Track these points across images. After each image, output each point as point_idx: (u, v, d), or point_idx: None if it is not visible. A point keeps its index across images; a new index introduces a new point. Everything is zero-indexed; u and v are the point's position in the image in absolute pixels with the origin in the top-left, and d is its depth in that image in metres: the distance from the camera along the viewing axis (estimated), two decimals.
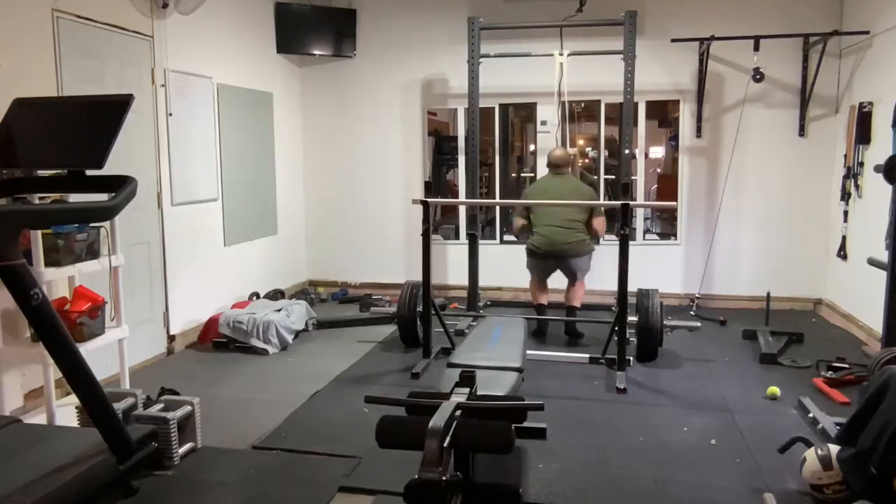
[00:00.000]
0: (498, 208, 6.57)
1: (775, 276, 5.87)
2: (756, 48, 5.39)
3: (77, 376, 2.51)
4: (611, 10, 5.43)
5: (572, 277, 5.08)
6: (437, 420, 2.12)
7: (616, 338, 4.30)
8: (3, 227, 2.22)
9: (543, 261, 5.06)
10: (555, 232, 4.92)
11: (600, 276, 6.00)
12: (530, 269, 5.22)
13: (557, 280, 5.22)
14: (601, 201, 5.13)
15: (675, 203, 5.87)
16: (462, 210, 6.43)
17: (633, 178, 5.94)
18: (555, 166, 5.11)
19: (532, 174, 6.46)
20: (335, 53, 6.44)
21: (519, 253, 5.35)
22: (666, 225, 7.86)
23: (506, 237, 6.54)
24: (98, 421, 2.59)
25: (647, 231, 7.54)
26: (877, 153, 4.85)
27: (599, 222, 5.01)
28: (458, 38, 5.92)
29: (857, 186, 5.23)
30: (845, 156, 5.41)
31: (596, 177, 6.34)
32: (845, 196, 5.39)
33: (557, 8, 5.72)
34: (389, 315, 5.43)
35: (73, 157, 2.69)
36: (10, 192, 2.88)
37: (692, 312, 5.72)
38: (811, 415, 3.48)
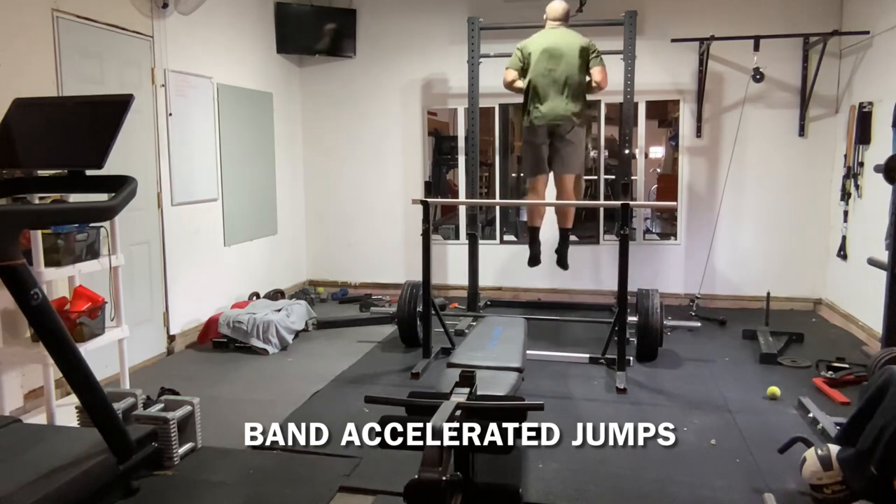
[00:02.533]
0: (498, 208, 6.57)
1: (775, 276, 5.87)
2: (756, 48, 5.38)
3: (77, 376, 2.51)
4: (611, 10, 5.42)
5: (564, 166, 4.78)
6: (437, 420, 2.12)
7: (616, 338, 4.29)
8: (4, 227, 2.22)
9: (539, 135, 4.72)
10: (550, 101, 4.64)
11: (600, 275, 6.01)
12: (526, 158, 4.91)
13: (556, 279, 5.21)
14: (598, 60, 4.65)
15: (675, 203, 5.86)
16: (462, 210, 6.42)
17: (633, 178, 5.93)
18: (556, 20, 4.76)
19: None
20: (335, 53, 6.43)
21: (519, 253, 5.34)
22: (666, 225, 7.85)
23: (506, 237, 6.54)
24: (98, 421, 2.59)
25: (647, 231, 7.54)
26: (877, 153, 4.85)
27: (598, 71, 4.62)
28: (458, 38, 5.92)
29: (857, 186, 5.23)
30: (845, 156, 5.41)
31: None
32: (845, 196, 5.39)
33: None
34: (389, 315, 5.43)
35: (73, 157, 2.70)
36: (10, 192, 2.89)
37: (692, 312, 5.72)
38: (811, 415, 3.48)
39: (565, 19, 4.80)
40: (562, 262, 5.09)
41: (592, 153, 7.85)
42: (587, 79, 4.68)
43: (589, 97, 4.82)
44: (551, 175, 4.88)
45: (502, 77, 4.84)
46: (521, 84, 4.79)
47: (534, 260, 5.11)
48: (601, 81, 4.64)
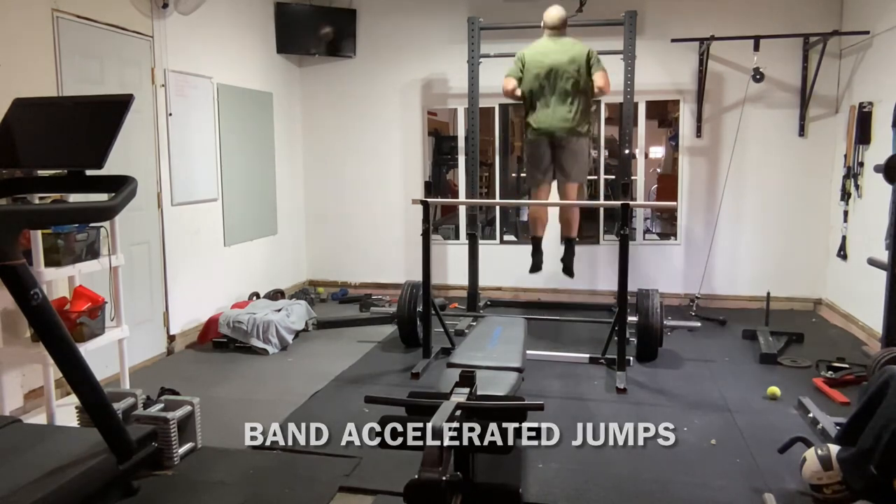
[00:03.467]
0: (498, 208, 6.57)
1: (775, 276, 5.87)
2: (756, 48, 5.38)
3: (77, 376, 2.51)
4: (611, 10, 5.42)
5: (567, 175, 4.80)
6: (437, 420, 2.12)
7: (616, 338, 4.29)
8: (4, 227, 2.22)
9: (541, 146, 4.77)
10: (552, 112, 4.68)
11: (600, 276, 6.00)
12: (529, 169, 4.97)
13: (556, 279, 5.21)
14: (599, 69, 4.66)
15: (675, 203, 5.86)
16: (462, 210, 6.42)
17: (633, 178, 5.93)
18: (553, 28, 4.75)
19: None
20: (335, 53, 6.43)
21: (519, 252, 5.34)
22: (666, 225, 7.85)
23: (506, 237, 6.54)
24: (98, 421, 2.59)
25: (647, 231, 7.53)
26: (877, 153, 4.85)
27: (600, 76, 4.60)
28: (458, 38, 5.91)
29: (857, 186, 5.23)
30: (845, 156, 5.41)
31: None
32: (845, 196, 5.39)
33: None
34: (389, 315, 5.43)
35: (73, 157, 2.70)
36: (10, 192, 2.88)
37: (692, 312, 5.72)
38: (811, 415, 3.48)
39: (563, 27, 4.79)
40: (568, 271, 5.10)
41: (593, 153, 7.86)
42: (588, 85, 4.67)
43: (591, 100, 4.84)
44: (554, 184, 4.91)
45: (502, 85, 4.83)
46: (520, 92, 4.81)
47: (535, 268, 5.13)
48: (603, 86, 4.62)
